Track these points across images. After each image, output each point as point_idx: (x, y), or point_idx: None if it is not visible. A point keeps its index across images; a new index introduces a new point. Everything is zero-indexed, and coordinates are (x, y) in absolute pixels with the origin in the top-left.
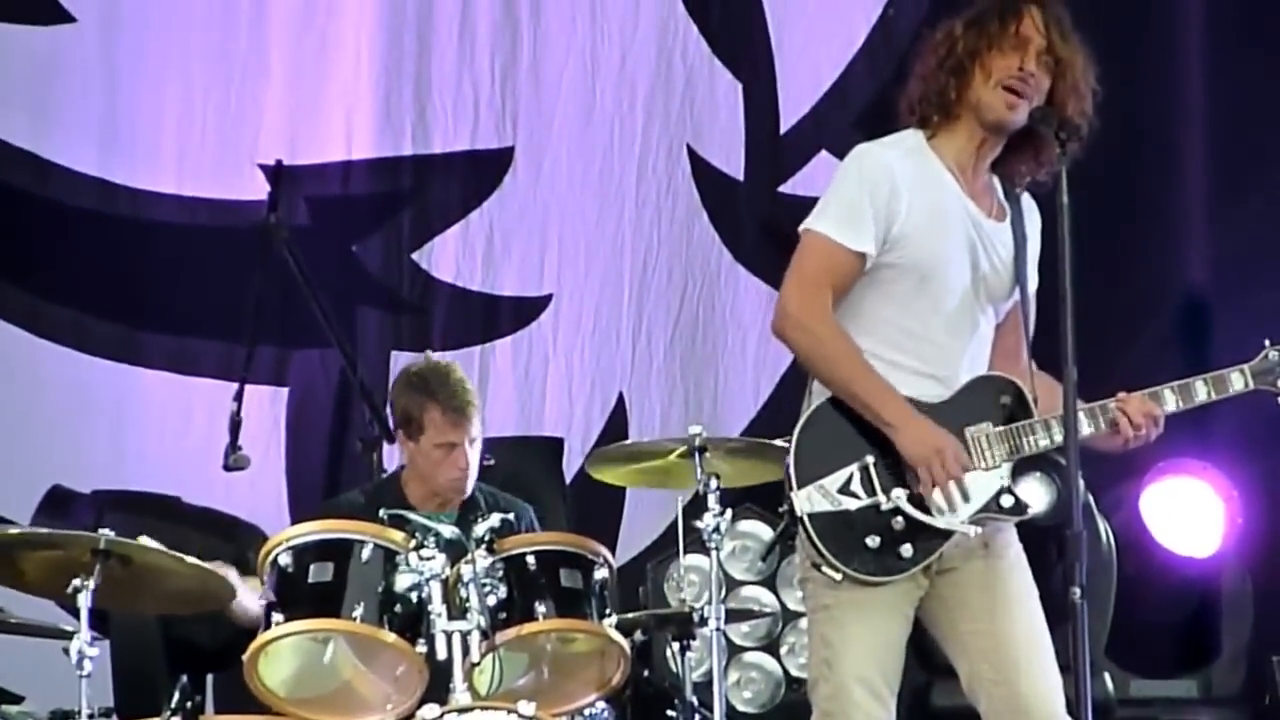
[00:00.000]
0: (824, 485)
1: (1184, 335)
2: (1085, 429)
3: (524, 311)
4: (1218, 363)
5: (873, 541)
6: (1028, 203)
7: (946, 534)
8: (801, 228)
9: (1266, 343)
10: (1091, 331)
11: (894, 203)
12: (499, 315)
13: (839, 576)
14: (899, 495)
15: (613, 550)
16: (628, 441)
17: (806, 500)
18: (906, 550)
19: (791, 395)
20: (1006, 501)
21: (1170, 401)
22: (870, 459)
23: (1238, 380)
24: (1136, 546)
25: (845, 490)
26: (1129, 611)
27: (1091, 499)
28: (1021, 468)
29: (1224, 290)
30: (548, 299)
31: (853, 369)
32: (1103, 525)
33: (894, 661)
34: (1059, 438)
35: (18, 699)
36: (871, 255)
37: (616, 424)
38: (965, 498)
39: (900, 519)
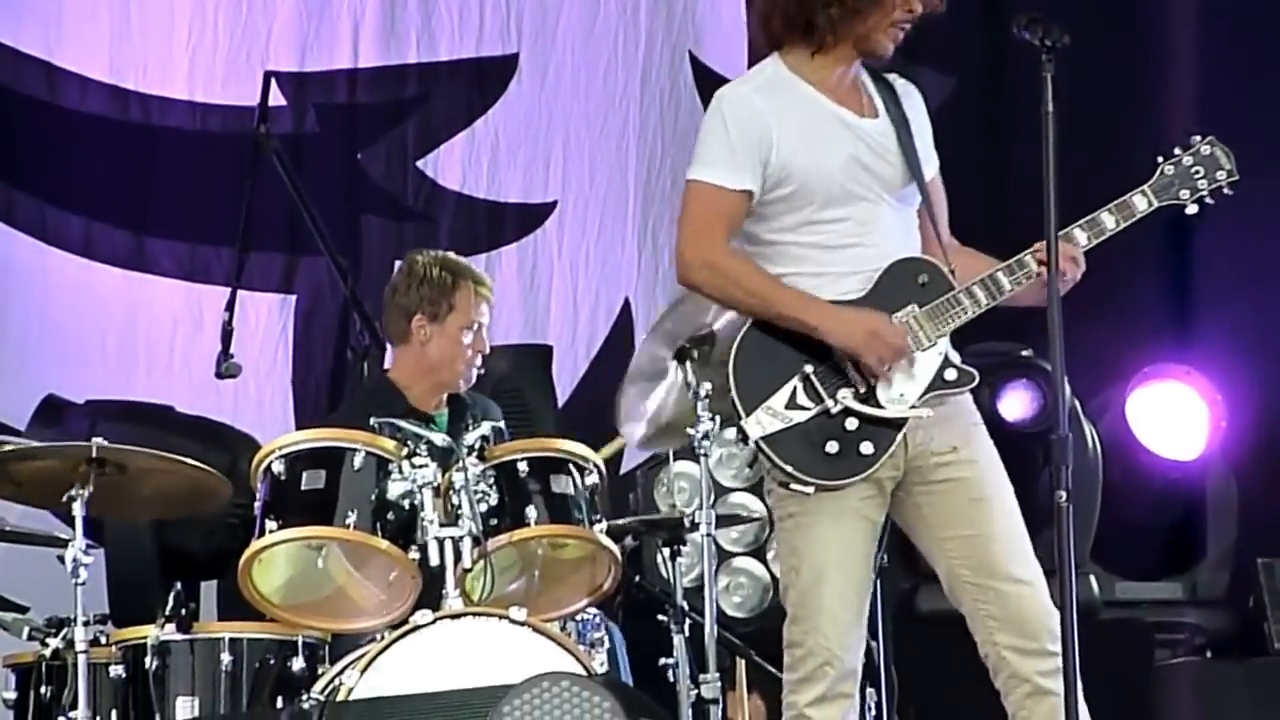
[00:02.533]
0: (771, 406)
1: (1167, 241)
2: (1006, 287)
3: (529, 218)
4: (1201, 271)
5: (832, 448)
6: (903, 88)
7: (901, 423)
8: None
9: (1160, 159)
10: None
11: (764, 135)
12: (504, 222)
13: (810, 489)
14: (845, 396)
15: (622, 457)
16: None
17: (757, 425)
18: (866, 448)
19: None
20: (950, 375)
21: (1082, 238)
22: (809, 368)
23: (1140, 202)
24: (1122, 450)
25: (793, 405)
26: (1115, 514)
27: (1077, 404)
28: (1002, 374)
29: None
30: (552, 205)
31: (763, 287)
32: (1089, 430)
33: (859, 568)
34: (984, 300)
35: (23, 609)
36: (753, 190)
37: (622, 329)
38: (913, 376)
39: (853, 419)
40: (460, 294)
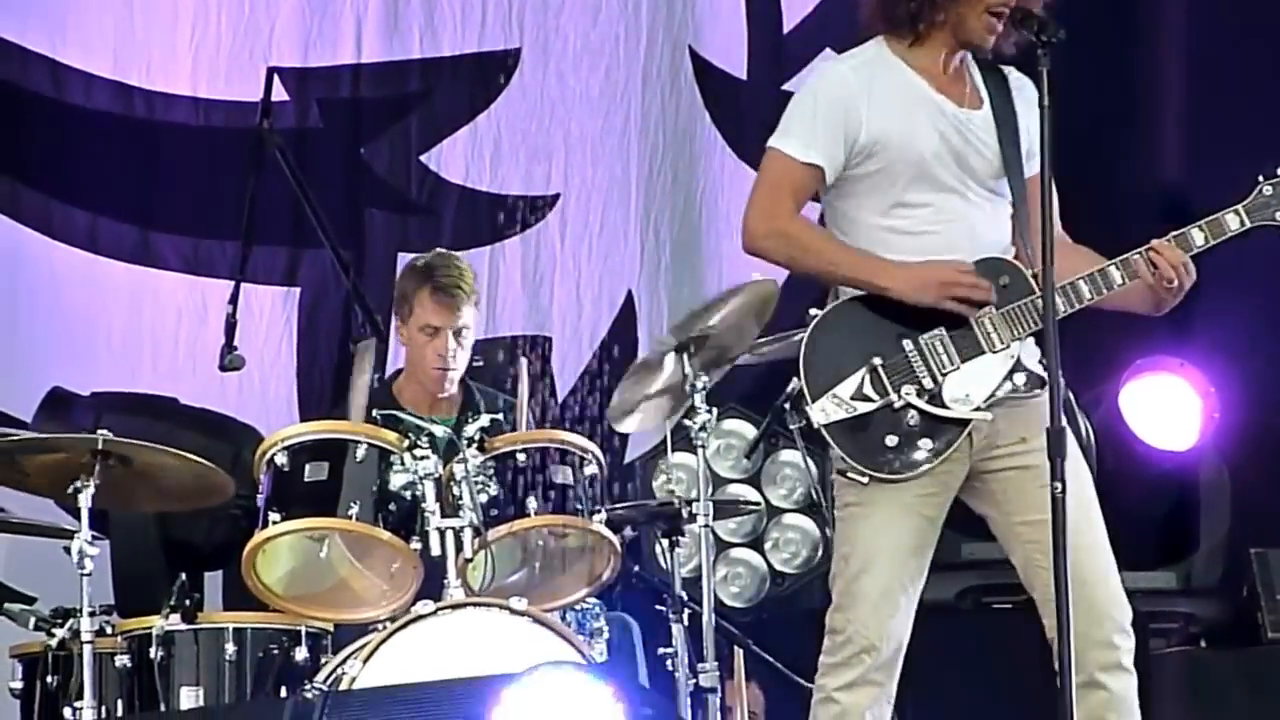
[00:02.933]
0: (837, 394)
1: (1161, 234)
2: (1086, 296)
3: (531, 211)
4: (1195, 264)
5: (891, 441)
6: (1015, 80)
7: (962, 423)
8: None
9: (1260, 178)
10: (1072, 229)
11: (853, 114)
12: (507, 215)
13: (865, 480)
14: (909, 392)
15: (625, 448)
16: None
17: (822, 412)
18: (925, 444)
19: (794, 291)
20: (1019, 379)
21: None
22: (877, 360)
23: (1233, 220)
24: (1116, 442)
25: (858, 395)
26: (1109, 505)
27: (1072, 396)
28: None
29: (1203, 188)
30: (555, 199)
31: (830, 251)
32: (1083, 421)
33: (909, 562)
34: (1062, 307)
35: (30, 599)
36: (822, 166)
37: (625, 322)
38: (981, 378)
39: (914, 414)
40: (420, 296)
